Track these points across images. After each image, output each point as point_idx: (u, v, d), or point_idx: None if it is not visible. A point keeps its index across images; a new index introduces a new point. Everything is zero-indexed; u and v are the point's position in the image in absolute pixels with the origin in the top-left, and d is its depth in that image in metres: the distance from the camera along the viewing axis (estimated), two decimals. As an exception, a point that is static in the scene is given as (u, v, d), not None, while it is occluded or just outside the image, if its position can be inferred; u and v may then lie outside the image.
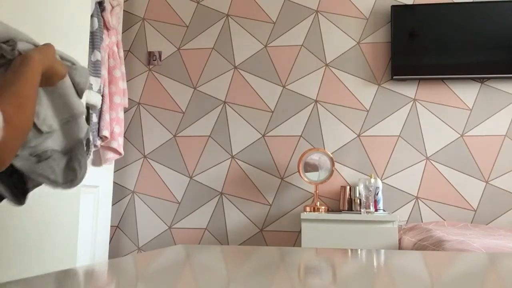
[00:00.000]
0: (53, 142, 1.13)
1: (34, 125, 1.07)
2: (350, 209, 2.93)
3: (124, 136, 3.31)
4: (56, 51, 1.11)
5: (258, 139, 3.23)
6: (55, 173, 1.10)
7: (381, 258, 0.97)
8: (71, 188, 1.14)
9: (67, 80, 1.13)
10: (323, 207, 2.89)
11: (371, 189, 2.81)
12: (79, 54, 1.98)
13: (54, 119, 1.12)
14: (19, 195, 1.11)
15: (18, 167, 1.07)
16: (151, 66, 3.41)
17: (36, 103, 0.97)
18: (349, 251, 1.11)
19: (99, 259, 2.93)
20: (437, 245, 2.08)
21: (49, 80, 1.07)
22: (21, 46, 1.04)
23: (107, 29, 3.01)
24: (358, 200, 2.89)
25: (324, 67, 3.23)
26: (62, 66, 1.10)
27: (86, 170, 1.17)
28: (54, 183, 1.11)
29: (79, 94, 1.18)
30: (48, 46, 1.08)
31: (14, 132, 0.86)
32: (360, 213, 2.78)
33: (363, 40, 3.21)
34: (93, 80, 2.75)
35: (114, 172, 3.30)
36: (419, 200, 3.03)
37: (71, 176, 1.13)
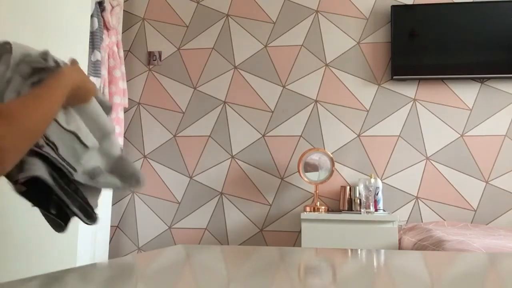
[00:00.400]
0: (96, 162, 1.12)
1: (80, 140, 1.05)
2: (350, 209, 2.93)
3: (124, 136, 3.31)
4: None
5: (258, 139, 3.23)
6: (115, 180, 1.09)
7: (381, 258, 0.97)
8: (139, 187, 1.14)
9: (94, 98, 1.13)
10: (323, 207, 2.89)
11: (371, 189, 2.81)
12: (79, 54, 1.98)
13: (93, 136, 1.12)
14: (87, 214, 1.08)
15: (82, 181, 1.05)
16: (151, 66, 3.41)
17: (55, 109, 0.93)
18: (349, 251, 1.11)
19: (99, 259, 2.93)
20: (437, 245, 2.08)
21: (82, 97, 1.06)
22: (53, 56, 1.04)
23: (107, 29, 3.01)
24: (358, 200, 2.89)
25: (324, 67, 3.23)
26: (91, 83, 1.09)
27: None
28: (121, 187, 1.10)
29: (106, 111, 1.16)
30: (76, 63, 1.07)
31: (19, 130, 0.82)
32: (360, 213, 2.78)
33: (363, 40, 3.21)
34: (93, 80, 2.75)
35: (114, 172, 3.30)
36: (419, 200, 3.03)
37: (135, 177, 1.13)
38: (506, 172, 2.98)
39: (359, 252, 1.11)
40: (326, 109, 3.19)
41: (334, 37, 3.24)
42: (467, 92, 3.07)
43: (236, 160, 3.23)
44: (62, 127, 1.04)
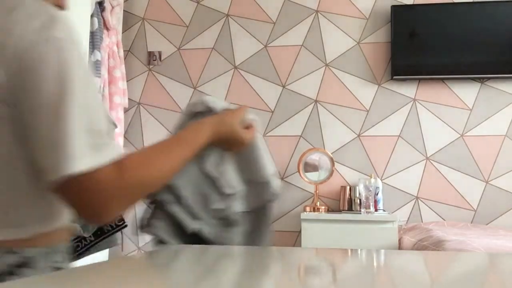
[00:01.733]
0: (240, 204, 1.07)
1: (217, 187, 1.04)
2: (350, 209, 2.93)
3: (124, 136, 3.30)
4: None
5: (258, 139, 3.22)
6: (234, 242, 1.06)
7: (381, 258, 0.97)
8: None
9: (255, 145, 1.07)
10: (323, 207, 2.89)
11: (371, 189, 2.81)
12: (79, 54, 1.98)
13: (239, 180, 1.08)
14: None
15: (206, 236, 1.03)
16: (151, 66, 3.41)
17: (176, 166, 0.86)
18: (349, 251, 1.11)
19: (99, 259, 2.93)
20: (437, 245, 2.08)
21: (229, 147, 1.04)
22: (208, 101, 1.06)
23: (107, 29, 3.01)
24: (358, 200, 2.89)
25: (324, 67, 3.22)
26: (247, 133, 1.03)
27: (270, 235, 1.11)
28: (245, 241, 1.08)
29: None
30: (233, 113, 1.03)
31: (129, 183, 0.75)
32: (360, 213, 2.78)
33: (363, 40, 3.21)
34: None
35: (114, 172, 3.29)
36: (419, 200, 3.03)
37: (256, 244, 1.09)
38: (506, 172, 2.98)
39: (359, 252, 1.11)
40: (326, 109, 3.18)
41: (334, 37, 3.24)
42: (467, 92, 3.07)
43: (236, 160, 3.23)
44: (204, 171, 1.04)
